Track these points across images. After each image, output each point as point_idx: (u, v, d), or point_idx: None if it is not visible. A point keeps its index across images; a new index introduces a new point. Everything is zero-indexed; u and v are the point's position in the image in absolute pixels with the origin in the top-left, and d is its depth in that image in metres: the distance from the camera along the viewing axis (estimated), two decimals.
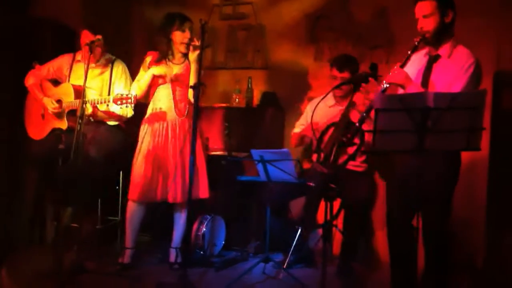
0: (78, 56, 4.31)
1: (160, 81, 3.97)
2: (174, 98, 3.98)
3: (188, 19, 3.97)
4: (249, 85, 4.80)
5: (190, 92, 3.79)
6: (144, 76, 3.96)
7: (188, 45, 3.91)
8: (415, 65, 3.24)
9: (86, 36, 4.12)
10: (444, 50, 3.16)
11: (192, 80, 3.87)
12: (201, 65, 3.67)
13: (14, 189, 4.69)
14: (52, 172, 4.08)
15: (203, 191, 4.01)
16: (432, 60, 3.20)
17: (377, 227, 4.43)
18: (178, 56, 4.01)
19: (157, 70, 3.93)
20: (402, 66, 3.14)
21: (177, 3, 5.08)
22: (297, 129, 4.31)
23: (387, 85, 3.12)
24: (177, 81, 3.96)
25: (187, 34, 3.93)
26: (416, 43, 3.15)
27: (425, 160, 2.96)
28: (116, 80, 4.25)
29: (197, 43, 3.85)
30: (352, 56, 4.22)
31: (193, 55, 3.88)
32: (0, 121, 4.53)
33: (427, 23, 3.14)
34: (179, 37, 3.93)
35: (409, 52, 3.15)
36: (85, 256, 3.89)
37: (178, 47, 3.97)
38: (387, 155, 4.25)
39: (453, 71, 3.07)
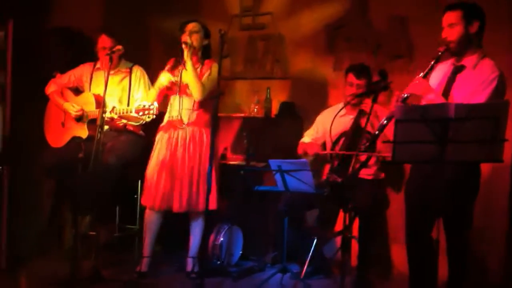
0: (98, 64, 4.36)
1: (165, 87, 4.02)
2: (179, 106, 3.99)
3: (194, 21, 4.01)
4: (268, 95, 4.80)
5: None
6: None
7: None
8: (440, 73, 3.22)
9: (103, 41, 4.17)
10: (469, 61, 3.13)
11: (190, 80, 3.88)
12: (220, 74, 3.69)
13: (32, 197, 4.73)
14: (71, 180, 4.10)
15: (211, 202, 3.89)
16: (457, 70, 3.17)
17: (393, 238, 4.38)
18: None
19: (159, 82, 4.01)
20: (425, 76, 3.12)
21: (196, 14, 5.12)
22: (306, 138, 4.28)
23: (408, 95, 3.10)
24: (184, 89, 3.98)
25: (186, 34, 3.94)
26: (439, 53, 3.12)
27: (443, 171, 2.94)
28: (135, 85, 4.29)
29: (187, 40, 3.87)
30: (366, 65, 4.20)
31: (185, 52, 3.88)
32: (18, 130, 4.57)
33: (451, 33, 3.12)
34: (182, 38, 3.94)
35: (432, 62, 3.13)
36: (102, 263, 3.90)
37: (183, 49, 3.96)
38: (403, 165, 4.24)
39: (475, 83, 3.04)
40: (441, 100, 3.07)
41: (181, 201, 3.91)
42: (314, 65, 4.86)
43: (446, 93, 3.15)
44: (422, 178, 3.19)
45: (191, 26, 3.98)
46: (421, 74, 3.14)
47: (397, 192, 4.34)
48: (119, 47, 4.07)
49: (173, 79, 3.98)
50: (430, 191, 3.10)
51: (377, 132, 3.14)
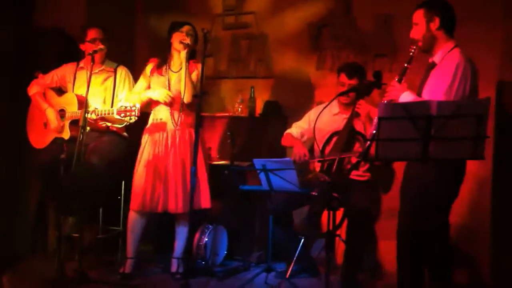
0: (81, 64, 4.32)
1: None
2: (171, 109, 3.98)
3: (188, 23, 4.01)
4: (252, 95, 4.80)
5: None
6: (142, 95, 4.00)
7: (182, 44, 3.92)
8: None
9: (93, 33, 4.16)
10: (437, 56, 3.16)
11: (182, 82, 3.87)
12: (203, 73, 3.68)
13: (17, 198, 4.69)
14: (54, 181, 4.06)
15: (204, 201, 3.99)
16: (429, 67, 3.20)
17: (381, 237, 4.39)
18: (177, 63, 4.00)
19: (154, 96, 3.96)
20: (400, 80, 3.14)
21: (181, 12, 5.11)
22: (294, 130, 4.26)
23: (387, 101, 3.14)
24: (173, 100, 3.96)
25: (183, 33, 3.94)
26: (410, 53, 3.17)
27: (424, 169, 2.95)
28: (120, 86, 4.26)
29: (187, 40, 3.87)
30: (360, 65, 4.22)
31: (182, 53, 3.90)
32: (2, 130, 4.52)
33: (416, 32, 3.18)
34: (176, 37, 3.95)
35: (405, 65, 3.16)
36: (86, 265, 3.86)
37: (176, 48, 3.97)
38: (390, 164, 4.25)
39: (438, 77, 3.08)
40: (415, 98, 3.09)
41: (177, 202, 3.90)
42: (298, 64, 4.86)
43: (419, 90, 3.18)
44: (415, 176, 3.20)
45: (188, 28, 3.99)
46: (396, 78, 3.17)
47: (386, 192, 4.36)
48: (102, 46, 4.05)
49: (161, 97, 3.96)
50: (422, 188, 3.11)
51: (369, 142, 3.16)
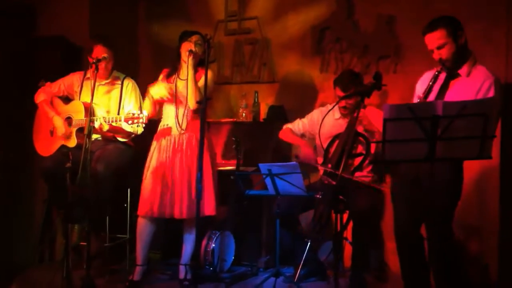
0: (89, 74, 4.31)
1: (165, 98, 4.00)
2: (176, 114, 3.98)
3: (197, 33, 4.01)
4: (256, 99, 4.80)
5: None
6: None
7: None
8: (426, 79, 3.22)
9: (99, 51, 4.12)
10: (463, 69, 3.13)
11: (188, 88, 3.87)
12: (206, 79, 3.68)
13: (24, 208, 4.69)
14: (59, 189, 4.06)
15: (208, 208, 3.92)
16: (450, 77, 3.17)
17: (387, 238, 4.38)
18: (185, 71, 3.97)
19: (155, 93, 3.99)
20: (425, 97, 3.11)
21: (184, 19, 5.13)
22: (296, 126, 4.28)
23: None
24: (179, 97, 3.97)
25: (192, 43, 3.94)
26: (436, 73, 3.14)
27: (425, 168, 2.93)
28: (126, 97, 4.25)
29: (193, 49, 3.87)
30: (353, 71, 4.20)
31: (189, 60, 3.89)
32: (8, 139, 4.53)
33: (444, 53, 3.11)
34: (185, 47, 3.94)
35: (430, 83, 3.13)
36: (94, 274, 3.85)
37: (184, 57, 3.98)
38: (395, 165, 4.23)
39: (471, 91, 3.04)
40: None
41: (181, 208, 3.88)
42: (301, 68, 4.86)
43: (439, 99, 3.15)
44: (406, 177, 3.19)
45: (197, 37, 3.99)
46: (422, 96, 3.13)
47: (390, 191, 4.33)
48: (105, 55, 4.04)
49: (168, 91, 3.97)
50: (413, 188, 3.12)
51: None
